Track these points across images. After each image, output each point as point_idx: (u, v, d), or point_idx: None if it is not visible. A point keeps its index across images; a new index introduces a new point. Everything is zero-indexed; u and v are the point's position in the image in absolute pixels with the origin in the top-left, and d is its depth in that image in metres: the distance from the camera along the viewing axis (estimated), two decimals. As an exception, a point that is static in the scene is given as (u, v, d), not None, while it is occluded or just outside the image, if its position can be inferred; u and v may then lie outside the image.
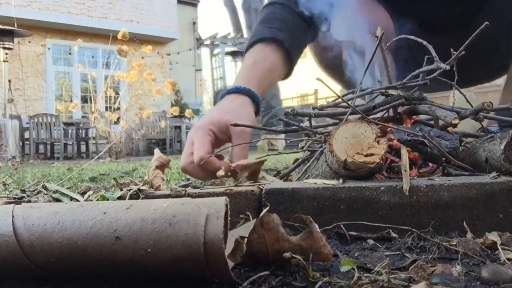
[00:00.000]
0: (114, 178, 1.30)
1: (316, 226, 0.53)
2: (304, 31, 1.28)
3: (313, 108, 1.06)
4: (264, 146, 7.57)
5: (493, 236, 0.64)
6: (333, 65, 1.56)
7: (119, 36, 6.71)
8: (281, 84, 11.94)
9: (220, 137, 0.98)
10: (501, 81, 1.69)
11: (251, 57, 1.22)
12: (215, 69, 13.74)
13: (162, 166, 1.00)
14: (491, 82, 1.89)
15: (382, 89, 1.04)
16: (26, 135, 8.65)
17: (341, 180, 0.77)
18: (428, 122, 1.04)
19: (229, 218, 0.53)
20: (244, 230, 0.54)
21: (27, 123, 8.63)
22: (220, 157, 0.98)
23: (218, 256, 0.45)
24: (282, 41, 1.20)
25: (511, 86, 1.42)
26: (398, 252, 0.63)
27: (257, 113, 1.09)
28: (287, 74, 1.30)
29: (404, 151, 0.78)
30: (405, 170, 0.73)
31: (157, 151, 1.06)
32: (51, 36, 11.56)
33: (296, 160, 1.15)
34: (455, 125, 0.85)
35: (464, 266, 0.54)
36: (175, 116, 9.00)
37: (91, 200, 0.90)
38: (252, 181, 0.87)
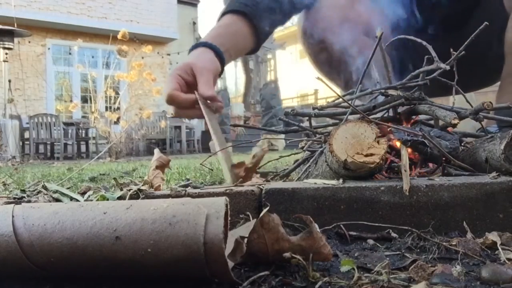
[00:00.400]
0: (114, 178, 1.30)
1: (316, 226, 0.53)
2: (274, 10, 1.33)
3: (313, 108, 1.06)
4: (264, 145, 7.57)
5: (493, 236, 0.64)
6: (328, 68, 1.58)
7: (119, 36, 6.70)
8: (281, 84, 11.93)
9: (187, 79, 1.05)
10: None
11: (218, 23, 1.29)
12: (215, 69, 13.75)
13: (162, 166, 1.00)
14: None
15: (382, 89, 1.04)
16: (26, 135, 8.64)
17: (341, 180, 0.77)
18: (428, 122, 1.04)
19: (229, 218, 0.53)
20: (244, 230, 0.54)
21: (27, 123, 8.63)
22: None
23: (218, 256, 0.45)
24: (247, 13, 1.27)
25: (504, 88, 1.42)
26: (398, 252, 0.63)
27: (222, 64, 1.15)
28: (254, 47, 1.36)
29: (404, 151, 0.78)
30: (405, 170, 0.73)
31: (157, 151, 1.06)
32: (51, 36, 11.56)
33: (297, 160, 1.15)
34: (454, 125, 0.86)
35: (464, 266, 0.54)
36: (175, 116, 9.00)
37: (91, 200, 0.90)
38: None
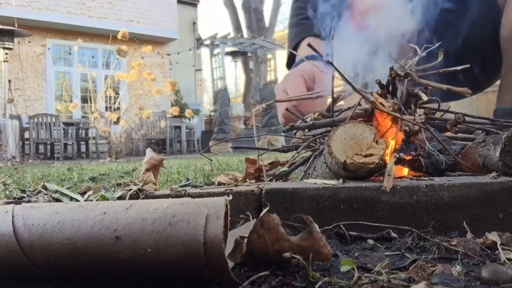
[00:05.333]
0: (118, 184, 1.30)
1: (316, 226, 0.53)
2: None
3: (314, 112, 1.06)
4: (264, 145, 7.56)
5: (493, 236, 0.64)
6: None
7: (119, 36, 6.70)
8: (281, 84, 11.91)
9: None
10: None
11: None
12: (215, 69, 13.75)
13: (154, 167, 0.99)
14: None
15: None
16: (26, 135, 8.63)
17: (341, 180, 0.77)
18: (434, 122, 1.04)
19: (229, 218, 0.53)
20: (244, 230, 0.54)
21: (27, 123, 8.62)
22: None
23: (218, 256, 0.45)
24: None
25: (505, 86, 1.42)
26: (398, 252, 0.63)
27: None
28: None
29: (391, 160, 0.78)
30: (389, 175, 0.73)
31: (148, 150, 1.03)
32: (51, 36, 11.55)
33: (293, 163, 1.15)
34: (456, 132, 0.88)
35: (464, 266, 0.54)
36: (175, 116, 9.01)
37: (91, 200, 0.90)
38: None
